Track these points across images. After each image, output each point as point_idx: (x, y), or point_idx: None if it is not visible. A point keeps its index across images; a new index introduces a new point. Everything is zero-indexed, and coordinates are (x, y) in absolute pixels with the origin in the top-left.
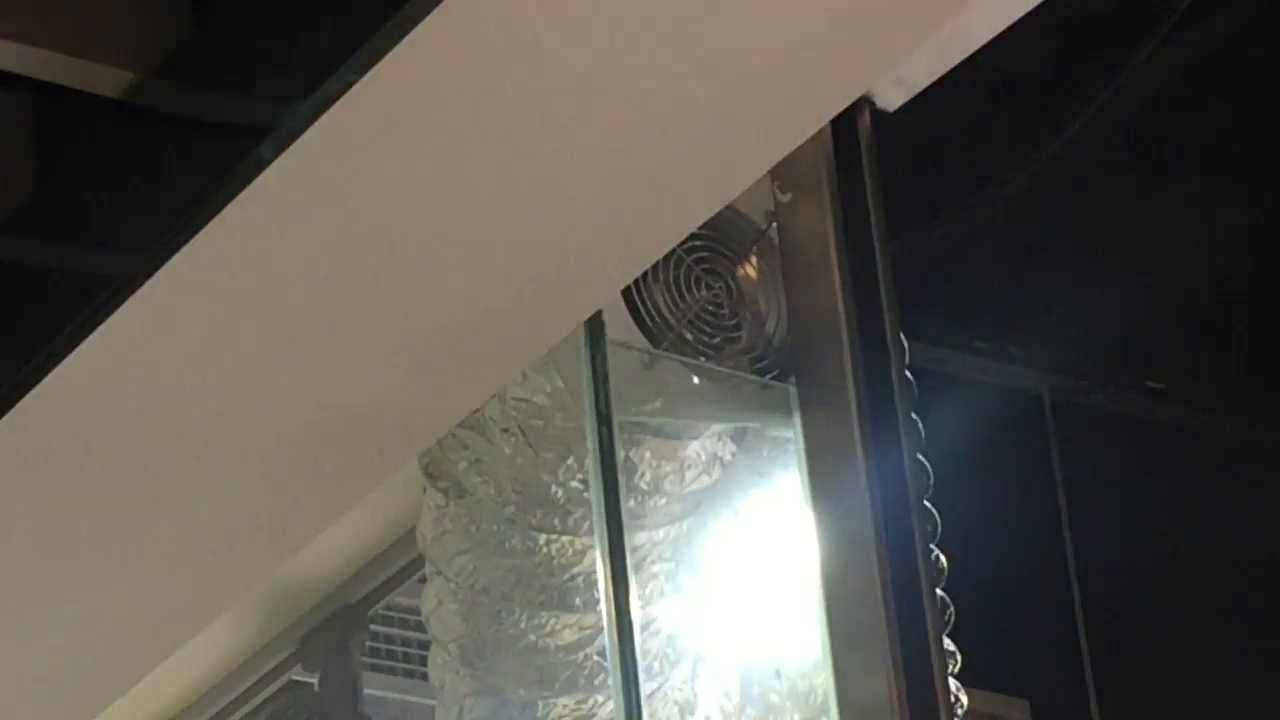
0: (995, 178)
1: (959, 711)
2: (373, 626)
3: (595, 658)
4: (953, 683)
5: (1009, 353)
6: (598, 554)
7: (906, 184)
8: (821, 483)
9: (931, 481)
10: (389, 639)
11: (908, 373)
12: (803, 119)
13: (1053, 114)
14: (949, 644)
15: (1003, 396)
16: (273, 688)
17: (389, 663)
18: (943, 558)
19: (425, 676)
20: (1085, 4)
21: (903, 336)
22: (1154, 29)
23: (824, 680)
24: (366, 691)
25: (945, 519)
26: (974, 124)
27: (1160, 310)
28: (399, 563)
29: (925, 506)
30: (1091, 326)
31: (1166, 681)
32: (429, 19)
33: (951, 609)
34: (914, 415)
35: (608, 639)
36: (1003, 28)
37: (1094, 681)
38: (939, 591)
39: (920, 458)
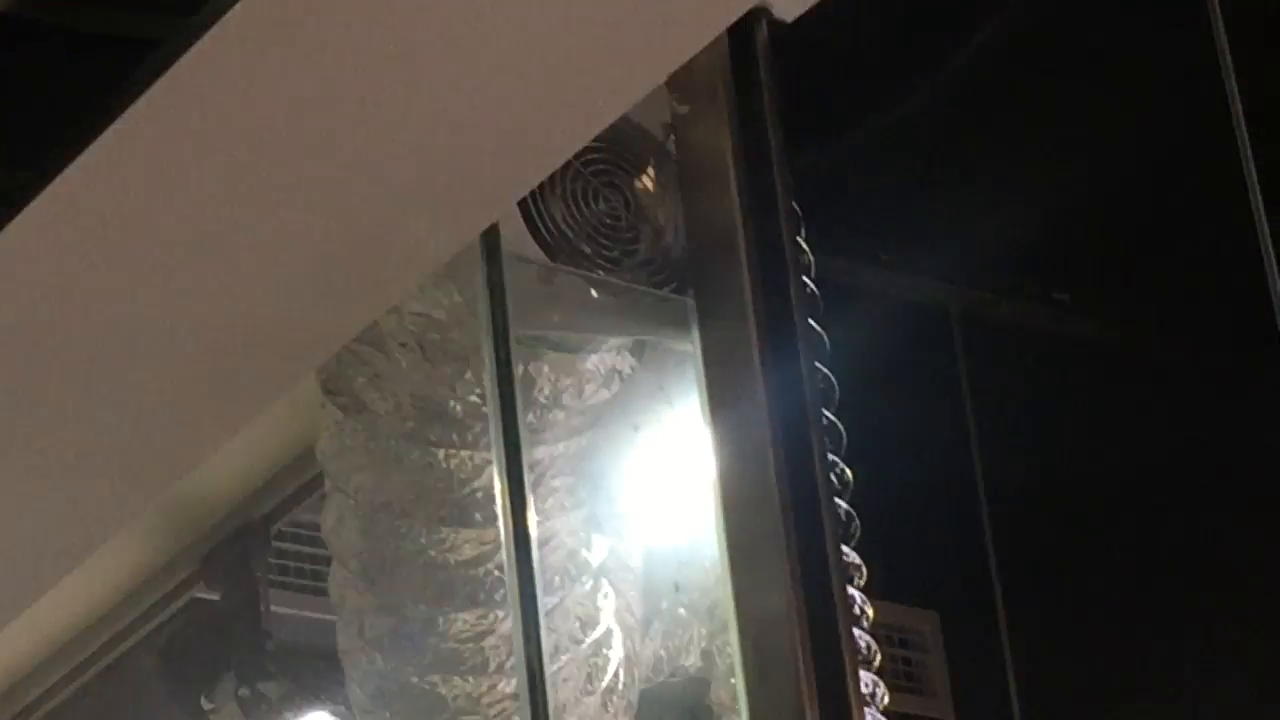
0: (902, 90)
1: (865, 624)
2: (276, 543)
3: (495, 573)
4: (859, 595)
5: (916, 265)
6: (495, 469)
7: (814, 97)
8: (720, 396)
9: (836, 394)
10: (294, 555)
11: (813, 285)
12: (698, 27)
13: (957, 26)
14: (854, 557)
15: (909, 309)
16: (175, 606)
17: (294, 580)
18: (847, 470)
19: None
20: None
21: (808, 249)
22: None
23: (724, 594)
24: (271, 608)
25: (852, 432)
26: (881, 36)
27: (1066, 223)
28: (301, 479)
29: (828, 419)
30: (999, 239)
31: (1072, 593)
32: None
33: (856, 522)
34: (819, 328)
35: (505, 554)
36: None
37: (1001, 594)
38: (843, 504)
39: (824, 370)
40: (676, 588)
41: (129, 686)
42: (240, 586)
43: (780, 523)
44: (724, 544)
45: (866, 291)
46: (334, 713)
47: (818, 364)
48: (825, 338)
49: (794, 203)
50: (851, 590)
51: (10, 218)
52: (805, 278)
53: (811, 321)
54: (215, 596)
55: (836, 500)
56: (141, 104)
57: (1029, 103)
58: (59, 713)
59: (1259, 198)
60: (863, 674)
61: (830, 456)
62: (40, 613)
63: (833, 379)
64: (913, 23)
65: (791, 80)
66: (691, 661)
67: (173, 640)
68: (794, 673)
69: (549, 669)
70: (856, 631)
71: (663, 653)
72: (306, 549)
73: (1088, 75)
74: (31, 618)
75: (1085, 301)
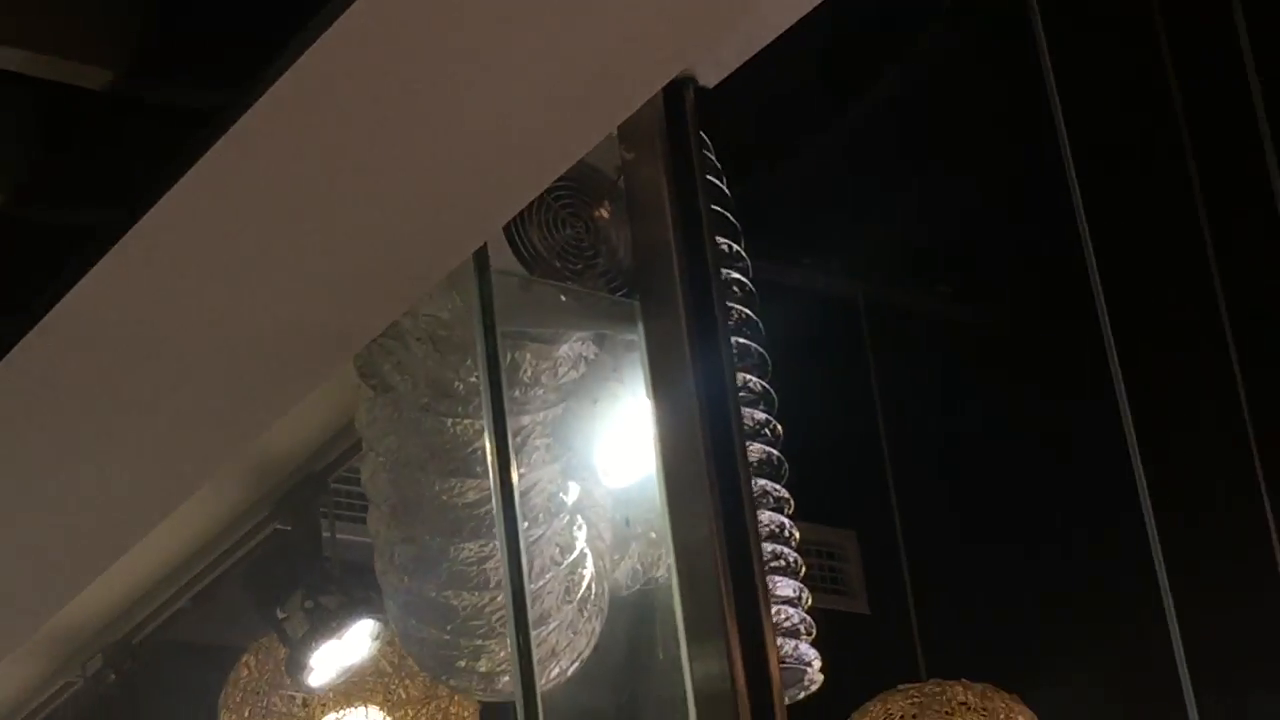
0: (821, 129)
1: (793, 543)
2: (335, 485)
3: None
4: (788, 520)
5: (831, 266)
6: (486, 433)
7: (755, 135)
8: (659, 376)
9: (769, 367)
10: (347, 495)
11: (750, 283)
12: (635, 94)
13: (868, 72)
14: (785, 492)
15: (826, 299)
16: (256, 539)
17: (351, 513)
18: (779, 426)
19: None
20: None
21: (746, 256)
22: (934, 13)
23: (663, 525)
24: (336, 537)
25: (784, 397)
26: (804, 88)
27: (947, 231)
28: (350, 441)
29: (765, 387)
30: (895, 245)
31: (951, 519)
32: (335, 26)
33: (786, 466)
34: (755, 316)
35: (494, 499)
36: (797, 18)
37: (899, 519)
38: (776, 452)
39: (760, 349)
40: (627, 521)
41: (222, 603)
42: (306, 522)
43: (704, 471)
44: (663, 488)
45: (793, 287)
46: (378, 619)
47: (755, 345)
48: (760, 324)
49: (733, 219)
50: (782, 518)
51: (107, 249)
52: (745, 278)
53: (750, 312)
54: (288, 529)
55: (770, 449)
56: (210, 157)
57: (920, 137)
58: (168, 625)
59: (1081, 211)
60: (790, 581)
61: (764, 415)
62: (152, 545)
63: (767, 356)
64: (827, 76)
65: (739, 123)
66: (661, 574)
67: (254, 565)
68: (716, 586)
69: (535, 585)
70: (784, 549)
71: (639, 567)
72: (357, 489)
73: (955, 121)
74: (143, 551)
75: (962, 292)
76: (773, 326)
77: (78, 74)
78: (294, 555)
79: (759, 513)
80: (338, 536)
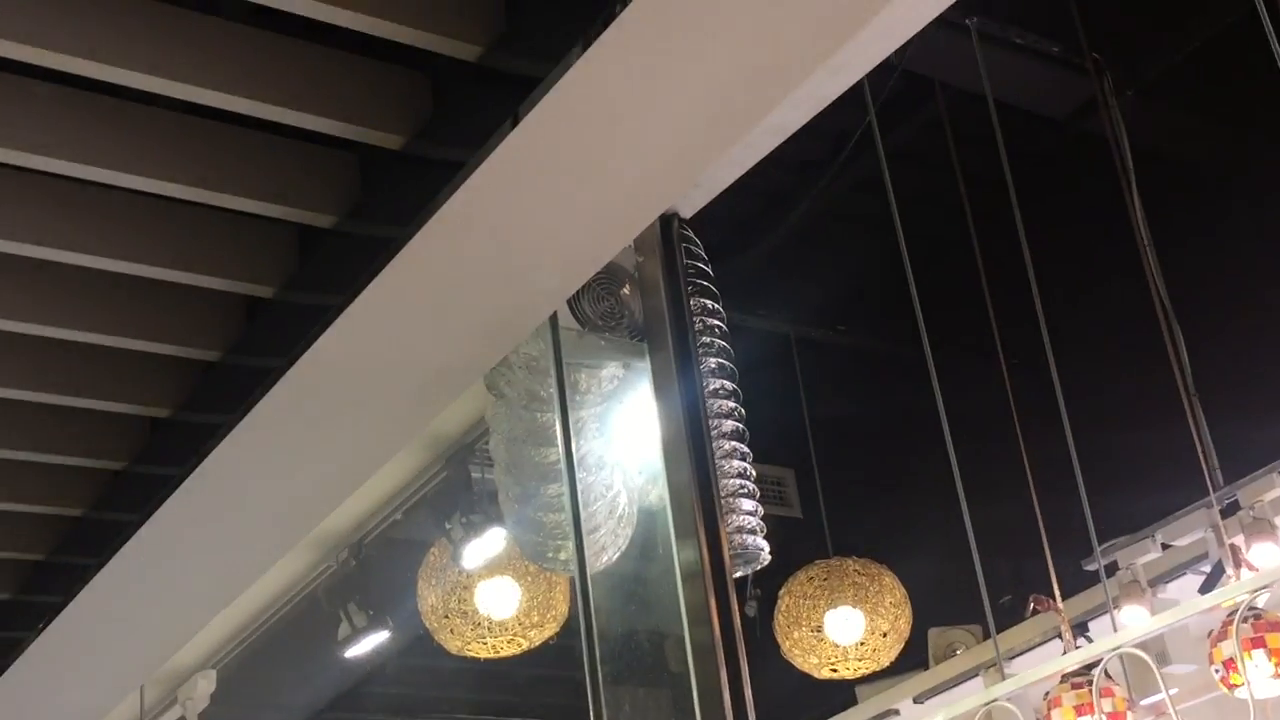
0: (767, 228)
1: (752, 477)
2: (481, 448)
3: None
4: (750, 468)
5: (776, 315)
6: (557, 422)
7: (725, 233)
8: (660, 391)
9: (737, 378)
10: (489, 455)
11: (725, 328)
12: (639, 221)
13: (793, 199)
14: (746, 449)
15: (770, 337)
16: (434, 483)
17: (490, 464)
18: (743, 411)
19: None
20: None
21: (722, 309)
22: (841, 150)
23: (661, 472)
24: (486, 476)
25: (748, 394)
26: (754, 206)
27: (850, 289)
28: (485, 426)
29: (737, 395)
30: (821, 297)
31: (855, 472)
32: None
33: (748, 434)
34: (730, 348)
35: (561, 459)
36: (744, 171)
37: (816, 463)
38: (741, 426)
39: (732, 366)
40: (640, 472)
41: (418, 518)
42: (462, 471)
43: (686, 442)
44: (661, 449)
45: (752, 329)
46: (503, 528)
47: (729, 364)
48: (732, 351)
49: (714, 286)
50: (745, 464)
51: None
52: (722, 323)
53: (725, 344)
54: (452, 475)
55: (738, 424)
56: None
57: (830, 233)
58: (387, 530)
59: (980, 259)
60: (750, 502)
61: (733, 405)
62: (376, 482)
63: (735, 369)
64: (764, 203)
65: (719, 225)
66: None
67: (435, 495)
68: (691, 507)
69: (589, 509)
70: (747, 482)
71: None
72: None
73: (851, 222)
74: (371, 485)
75: (858, 328)
76: (740, 352)
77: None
78: (455, 490)
79: (731, 462)
80: (486, 476)
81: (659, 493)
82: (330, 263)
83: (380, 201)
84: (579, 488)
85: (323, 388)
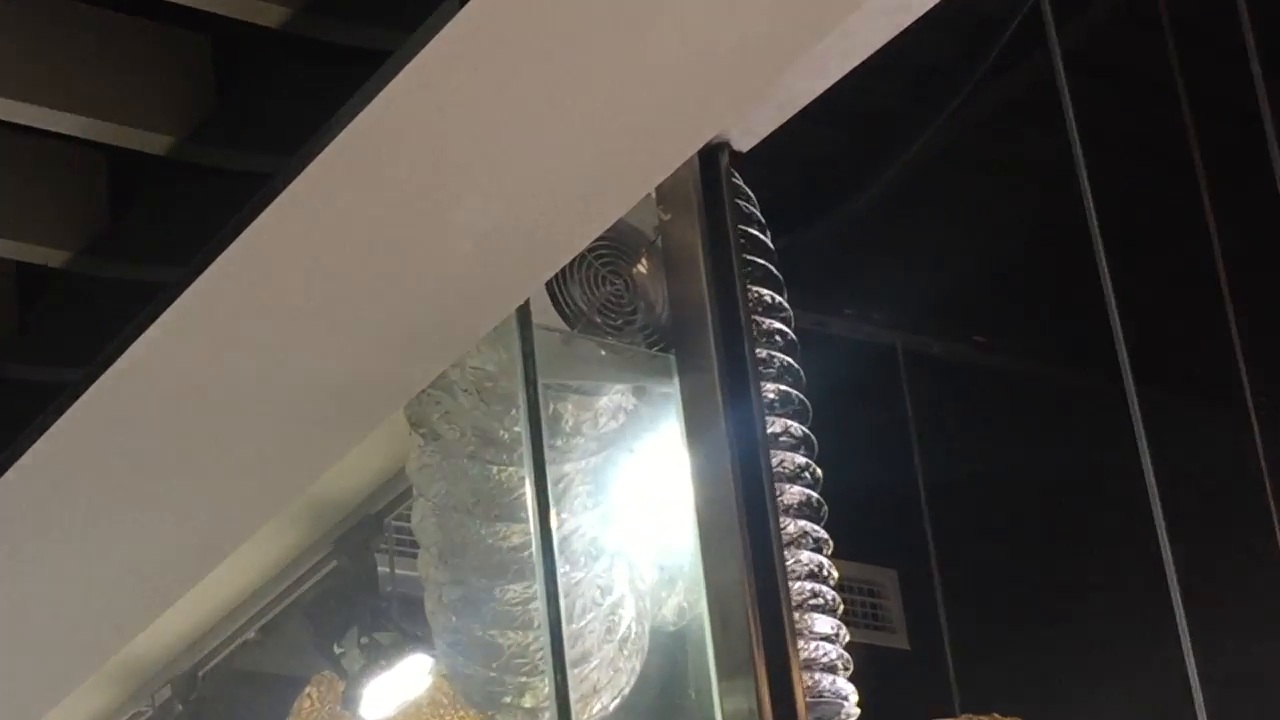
0: (859, 187)
1: (831, 583)
2: (398, 522)
3: None
4: (826, 560)
5: (871, 316)
6: (527, 481)
7: (798, 190)
8: (694, 426)
9: (810, 414)
10: (409, 532)
11: (792, 333)
12: (669, 158)
13: (898, 140)
14: (824, 533)
15: (865, 349)
16: (316, 576)
17: (412, 549)
18: (818, 470)
19: None
20: (919, 58)
21: (788, 306)
22: (970, 77)
23: (695, 568)
24: (398, 572)
25: (824, 441)
26: (840, 150)
27: (979, 282)
28: (403, 485)
29: (805, 432)
30: (932, 295)
31: (983, 560)
32: (389, 89)
33: (825, 508)
34: (797, 365)
35: (534, 543)
36: (827, 86)
37: (935, 558)
38: (816, 494)
39: (800, 395)
40: (660, 567)
41: (284, 637)
42: (363, 561)
43: (735, 516)
44: (697, 532)
45: (833, 336)
46: (430, 655)
47: (795, 391)
48: (801, 372)
49: (776, 271)
50: (821, 557)
51: (169, 304)
52: (786, 327)
53: (790, 359)
54: (345, 568)
55: (810, 491)
56: (273, 210)
57: (950, 196)
58: (234, 657)
59: (1105, 268)
60: (828, 619)
61: (804, 459)
62: (217, 581)
63: (807, 402)
64: (860, 141)
65: (785, 178)
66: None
67: (315, 602)
68: (745, 625)
69: (577, 625)
70: (823, 587)
71: (685, 604)
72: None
73: (990, 177)
74: (209, 587)
75: (996, 342)
76: (814, 374)
77: (141, 140)
78: (351, 592)
79: (799, 553)
80: (397, 572)
81: (687, 602)
82: (156, 218)
83: (242, 111)
84: (559, 589)
85: (135, 414)
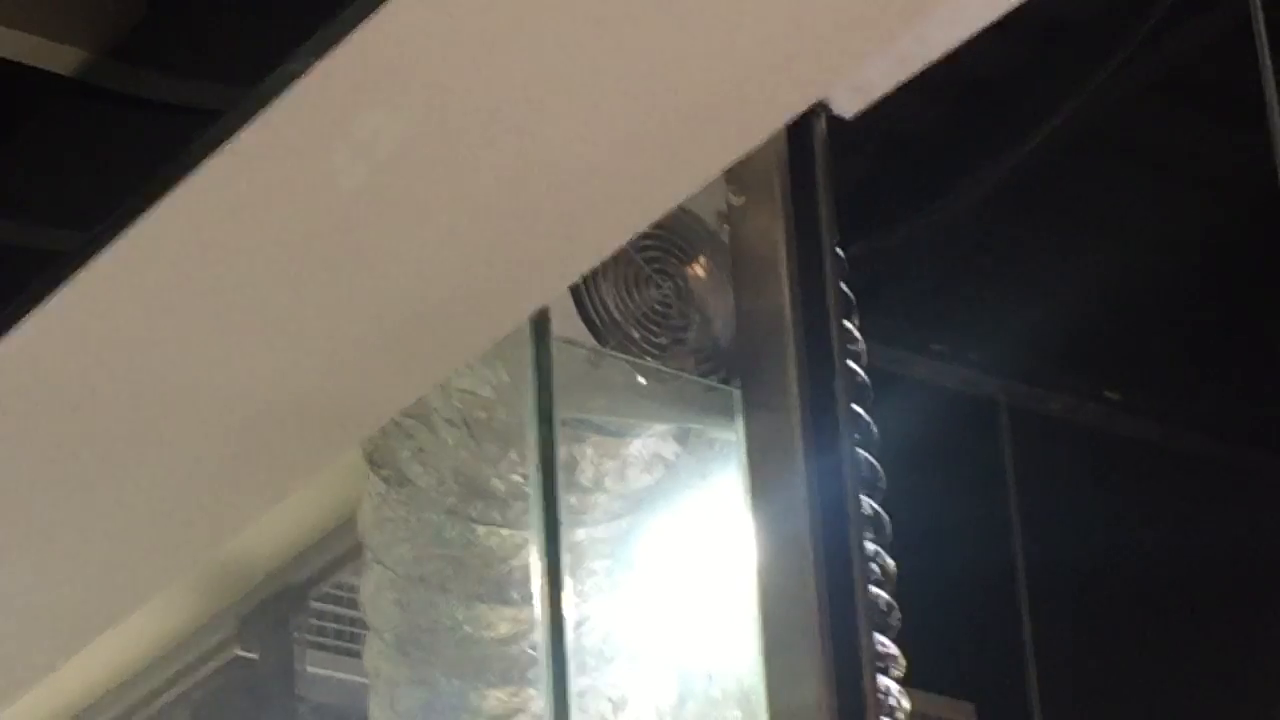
0: (958, 181)
1: (900, 716)
2: (317, 604)
3: (529, 651)
4: (895, 686)
5: (966, 357)
6: (533, 549)
7: (870, 184)
8: (762, 486)
9: (883, 484)
10: (334, 617)
11: (863, 374)
12: (757, 123)
13: (1016, 120)
14: (893, 648)
15: (958, 400)
16: (212, 664)
17: (332, 641)
18: (890, 561)
19: None
20: (1053, 13)
21: (859, 336)
22: (1121, 42)
23: (757, 683)
24: (309, 670)
25: (896, 521)
26: (936, 129)
27: (1116, 318)
28: (343, 545)
29: (874, 508)
30: (1052, 334)
31: (1107, 691)
32: (379, 12)
33: (897, 612)
34: (867, 416)
35: (540, 634)
36: (964, 38)
37: (1038, 687)
38: (885, 595)
39: (870, 459)
40: (710, 675)
41: None
42: (277, 648)
43: (815, 616)
44: (760, 632)
45: (915, 380)
46: None
47: (864, 453)
48: (873, 426)
49: (847, 289)
50: (888, 681)
51: (64, 280)
52: (855, 365)
53: (859, 410)
54: (253, 656)
55: (877, 590)
56: (200, 173)
57: (1083, 199)
58: None
59: None
60: None
61: (873, 546)
62: (80, 665)
63: (879, 468)
64: (969, 115)
65: (846, 168)
66: None
67: (209, 698)
68: None
69: None
70: None
71: None
72: (345, 611)
73: (1142, 172)
74: (72, 670)
75: (1136, 401)
76: (887, 430)
77: (41, 53)
78: (260, 688)
79: None
80: (311, 670)
81: None
82: (52, 163)
83: (183, 23)
84: (569, 702)
85: (4, 429)
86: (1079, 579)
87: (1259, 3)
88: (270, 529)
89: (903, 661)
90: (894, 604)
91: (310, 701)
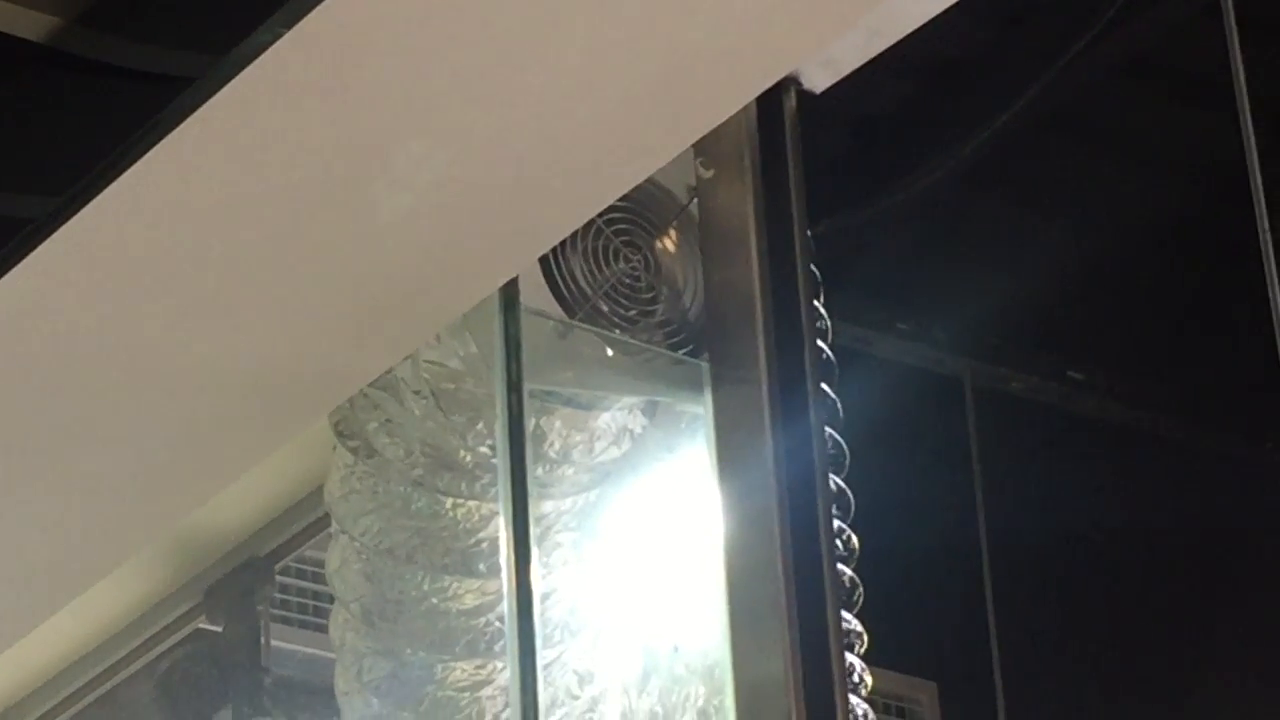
0: (925, 160)
1: (863, 692)
2: (282, 578)
3: (496, 623)
4: (858, 663)
5: (932, 335)
6: (501, 521)
7: (837, 162)
8: (729, 460)
9: (847, 461)
10: (298, 591)
11: (829, 351)
12: (727, 96)
13: (983, 100)
14: (856, 624)
15: (923, 378)
16: (177, 636)
17: (296, 615)
18: (854, 538)
19: None
20: None
21: (825, 314)
22: (1089, 23)
23: (723, 657)
24: (272, 643)
25: (860, 498)
26: (905, 106)
27: (1086, 299)
28: (309, 518)
29: (837, 485)
30: (1017, 313)
31: (1071, 669)
32: None
33: (860, 589)
34: (833, 394)
35: (506, 606)
36: (934, 13)
37: (1000, 668)
38: (849, 572)
39: (836, 436)
40: (676, 648)
41: (126, 714)
42: (242, 621)
43: (783, 589)
44: (727, 606)
45: (881, 358)
46: None
47: (829, 430)
48: (838, 404)
49: (813, 268)
50: (851, 658)
51: (33, 247)
52: (821, 343)
53: (825, 387)
54: (217, 629)
55: (841, 567)
56: (170, 141)
57: (1049, 179)
58: None
59: (1276, 279)
60: None
61: (837, 523)
62: (43, 636)
63: (844, 445)
64: (936, 94)
65: (811, 147)
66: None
67: (172, 670)
68: None
69: None
70: (853, 699)
71: (659, 709)
72: (309, 585)
73: (1108, 153)
74: (35, 641)
75: (1099, 381)
76: (851, 407)
77: (11, 19)
78: (225, 660)
79: None
80: (276, 643)
81: (701, 699)
82: (22, 129)
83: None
84: (535, 675)
85: None
86: (1043, 558)
87: None
88: (235, 501)
89: (865, 638)
90: (857, 580)
91: (274, 674)
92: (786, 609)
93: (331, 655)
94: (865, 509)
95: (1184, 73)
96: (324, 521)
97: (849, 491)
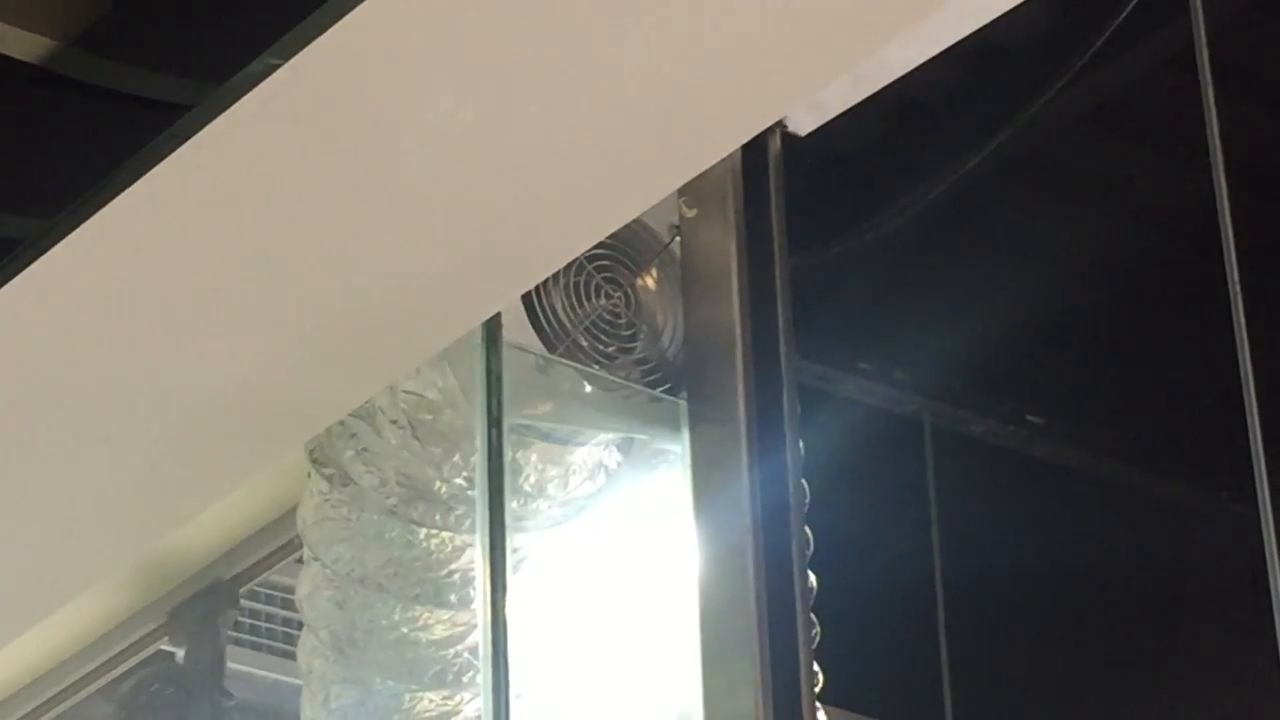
0: (891, 202)
1: None
2: (246, 602)
3: (465, 655)
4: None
5: (893, 376)
6: (478, 554)
7: (804, 201)
8: (705, 497)
9: (808, 501)
10: (264, 615)
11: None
12: (717, 141)
13: (951, 143)
14: (814, 670)
15: (883, 419)
16: (138, 658)
17: (260, 639)
18: (813, 577)
19: (295, 656)
20: (993, 37)
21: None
22: (1060, 70)
23: (694, 695)
24: (234, 667)
25: (817, 538)
26: (870, 150)
27: (1041, 344)
28: (276, 542)
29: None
30: (979, 357)
31: (1025, 709)
32: (354, 12)
33: (817, 628)
34: (797, 443)
35: (481, 638)
36: (922, 59)
37: (952, 707)
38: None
39: (801, 484)
40: (648, 688)
41: None
42: (205, 644)
43: (755, 627)
44: (699, 643)
45: (842, 398)
46: None
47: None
48: (800, 443)
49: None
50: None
51: (20, 269)
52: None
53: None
54: (179, 651)
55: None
56: (162, 167)
57: (1014, 224)
58: None
59: (1242, 324)
60: None
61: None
62: (3, 653)
63: (805, 487)
64: (903, 136)
65: (789, 182)
66: None
67: (133, 692)
68: None
69: None
70: None
71: None
72: (277, 610)
73: (1072, 198)
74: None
75: (1057, 426)
76: (811, 446)
77: (8, 41)
78: (187, 683)
79: None
80: (238, 667)
81: None
82: (18, 151)
83: (152, 13)
84: (508, 710)
85: None
86: (997, 599)
87: (1203, 39)
88: (201, 523)
89: (821, 677)
90: (814, 620)
91: (236, 698)
92: (759, 647)
93: (295, 680)
94: (821, 548)
95: (1150, 120)
96: (291, 546)
97: (809, 532)
